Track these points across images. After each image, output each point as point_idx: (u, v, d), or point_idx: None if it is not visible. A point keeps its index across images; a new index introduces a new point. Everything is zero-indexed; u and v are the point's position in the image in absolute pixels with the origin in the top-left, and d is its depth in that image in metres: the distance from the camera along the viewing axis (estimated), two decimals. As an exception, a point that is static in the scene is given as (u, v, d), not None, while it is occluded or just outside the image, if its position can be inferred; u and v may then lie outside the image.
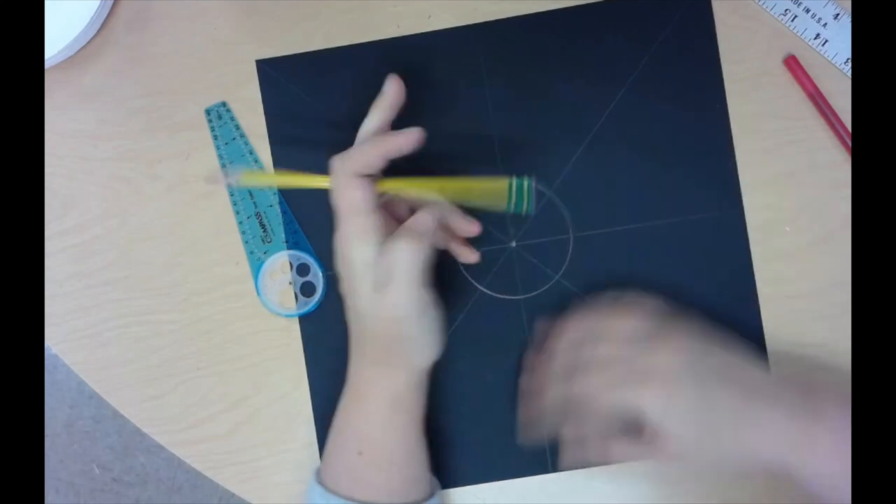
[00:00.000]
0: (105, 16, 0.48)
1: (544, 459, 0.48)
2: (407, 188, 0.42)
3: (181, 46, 0.49)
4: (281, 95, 0.49)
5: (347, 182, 0.39)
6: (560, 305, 0.47)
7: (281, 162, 0.49)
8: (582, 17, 0.48)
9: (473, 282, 0.48)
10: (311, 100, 0.48)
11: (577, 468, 0.46)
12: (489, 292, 0.48)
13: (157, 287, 0.49)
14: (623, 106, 0.48)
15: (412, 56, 0.48)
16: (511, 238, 0.48)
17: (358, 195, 0.39)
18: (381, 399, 0.42)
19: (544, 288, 0.48)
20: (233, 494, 0.48)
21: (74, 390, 1.21)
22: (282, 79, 0.49)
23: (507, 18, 0.48)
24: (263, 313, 0.49)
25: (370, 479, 0.42)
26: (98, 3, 0.47)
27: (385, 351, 0.42)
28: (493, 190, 0.43)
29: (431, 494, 0.44)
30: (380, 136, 0.41)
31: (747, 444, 0.39)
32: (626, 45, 0.48)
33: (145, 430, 0.49)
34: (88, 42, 0.49)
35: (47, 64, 0.47)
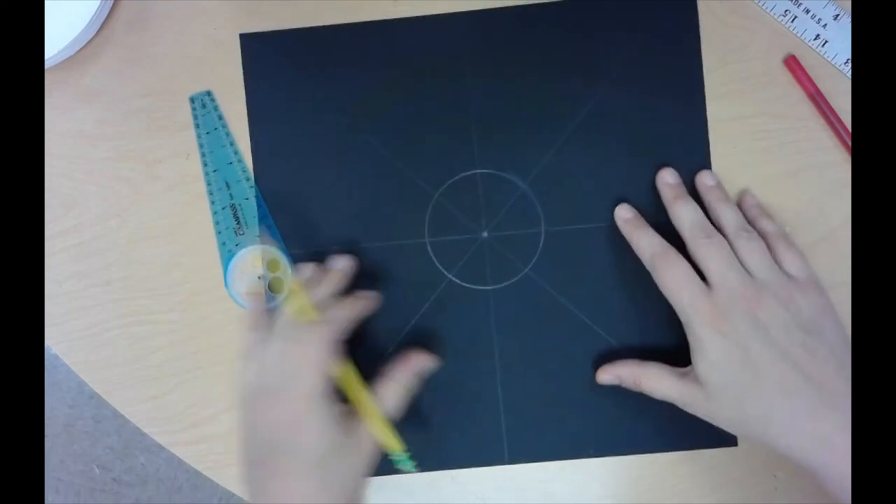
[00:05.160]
0: (105, 16, 0.48)
1: (501, 449, 0.48)
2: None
3: (181, 46, 0.49)
4: (265, 72, 0.48)
5: (322, 347, 0.40)
6: (527, 298, 0.47)
7: (261, 146, 0.48)
8: (569, 10, 0.48)
9: (443, 269, 0.48)
10: (297, 78, 0.48)
11: (607, 382, 0.45)
12: (458, 281, 0.48)
13: (157, 287, 0.49)
14: (604, 102, 0.47)
15: (400, 40, 0.48)
16: (483, 228, 0.48)
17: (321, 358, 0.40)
18: None
19: (513, 280, 0.48)
20: (233, 494, 0.48)
21: (74, 390, 1.21)
22: (268, 54, 0.48)
23: (495, 9, 0.48)
24: (263, 313, 0.49)
25: None
26: (98, 3, 0.47)
27: (277, 455, 0.38)
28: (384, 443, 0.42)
29: None
30: (346, 300, 0.44)
31: (774, 433, 0.39)
32: (610, 41, 0.47)
33: (145, 430, 0.49)
34: (88, 42, 0.49)
35: (47, 64, 0.47)
